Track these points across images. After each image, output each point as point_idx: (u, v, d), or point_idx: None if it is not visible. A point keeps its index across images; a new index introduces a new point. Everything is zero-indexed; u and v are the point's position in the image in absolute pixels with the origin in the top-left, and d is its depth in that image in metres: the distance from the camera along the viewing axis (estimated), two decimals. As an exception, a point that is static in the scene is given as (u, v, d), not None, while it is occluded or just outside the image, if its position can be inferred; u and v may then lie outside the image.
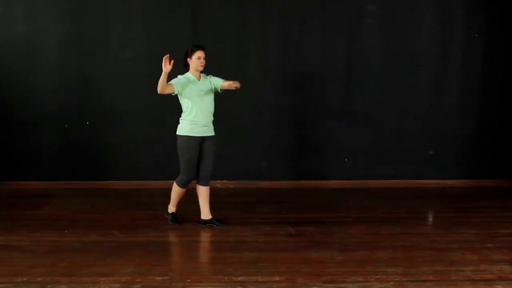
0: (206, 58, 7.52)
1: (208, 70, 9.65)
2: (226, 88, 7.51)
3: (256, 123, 10.16)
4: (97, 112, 9.96)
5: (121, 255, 6.46)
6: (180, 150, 7.51)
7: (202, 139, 7.51)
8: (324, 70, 10.12)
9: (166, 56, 7.19)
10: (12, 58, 9.90)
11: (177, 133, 7.54)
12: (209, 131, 7.56)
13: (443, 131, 10.27)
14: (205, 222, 7.61)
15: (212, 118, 7.58)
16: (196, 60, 7.48)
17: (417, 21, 10.13)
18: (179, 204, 7.78)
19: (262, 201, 9.11)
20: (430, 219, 8.42)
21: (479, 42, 10.18)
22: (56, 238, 7.07)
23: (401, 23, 10.13)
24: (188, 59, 7.53)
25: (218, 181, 10.06)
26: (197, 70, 7.53)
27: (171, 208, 7.79)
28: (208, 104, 7.53)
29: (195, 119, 7.45)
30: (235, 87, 7.45)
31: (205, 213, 7.64)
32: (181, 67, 7.53)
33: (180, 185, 7.62)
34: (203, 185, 7.62)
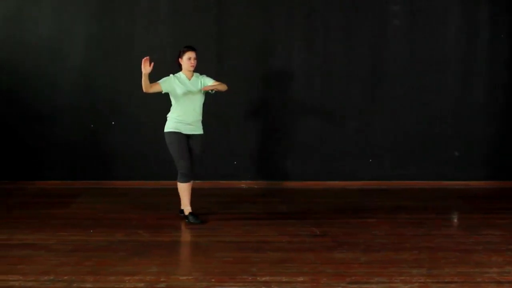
0: (195, 59, 7.77)
1: (235, 71, 9.76)
2: (207, 89, 7.71)
3: (282, 123, 10.16)
4: (122, 112, 10.02)
5: (146, 254, 6.50)
6: (169, 145, 7.81)
7: (188, 136, 7.79)
8: (349, 70, 10.10)
9: (145, 58, 7.44)
10: (39, 58, 9.99)
11: (164, 130, 7.84)
12: (195, 130, 7.80)
13: (468, 132, 10.21)
14: (182, 212, 7.95)
15: (199, 118, 7.83)
16: (187, 60, 7.76)
17: (442, 21, 10.09)
18: (191, 202, 7.90)
19: (286, 201, 9.12)
20: (455, 220, 8.38)
21: (505, 42, 10.11)
22: (81, 237, 7.12)
23: (426, 23, 10.08)
24: (180, 59, 7.82)
25: (243, 181, 10.10)
26: (189, 70, 7.79)
27: (186, 209, 7.87)
28: (194, 104, 7.76)
29: (180, 117, 7.73)
30: (216, 89, 7.68)
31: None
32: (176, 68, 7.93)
33: (181, 180, 7.79)
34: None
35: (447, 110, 10.19)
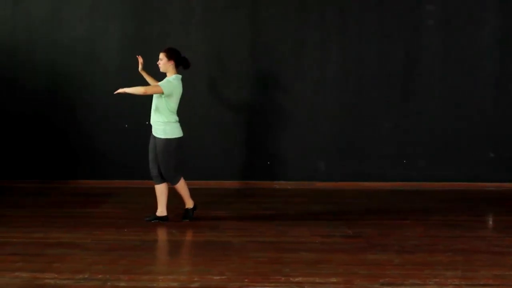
0: (162, 59, 7.67)
1: (268, 71, 9.78)
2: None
3: (315, 124, 10.16)
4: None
5: (179, 254, 6.54)
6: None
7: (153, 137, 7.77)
8: (382, 71, 10.07)
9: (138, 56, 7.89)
10: (74, 59, 10.11)
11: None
12: (154, 131, 7.72)
13: (503, 132, 10.12)
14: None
15: (155, 119, 7.68)
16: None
17: (477, 21, 10.01)
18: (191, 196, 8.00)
19: (319, 201, 9.11)
20: (490, 222, 8.30)
21: (541, 43, 10.03)
22: (116, 236, 7.17)
23: (461, 24, 10.01)
24: None
25: (276, 182, 10.11)
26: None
27: (188, 204, 7.97)
28: (153, 104, 7.68)
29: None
30: (124, 92, 7.53)
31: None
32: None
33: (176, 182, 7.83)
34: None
35: (482, 111, 10.11)
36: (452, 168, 10.15)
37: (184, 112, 9.56)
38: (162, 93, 7.45)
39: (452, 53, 10.03)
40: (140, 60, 8.12)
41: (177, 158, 7.79)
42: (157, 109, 7.60)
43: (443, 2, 10.01)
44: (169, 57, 7.63)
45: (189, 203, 7.94)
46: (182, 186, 7.83)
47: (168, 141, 7.61)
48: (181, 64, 7.75)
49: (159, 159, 7.67)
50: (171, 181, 7.75)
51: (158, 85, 7.50)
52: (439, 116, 10.10)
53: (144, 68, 8.15)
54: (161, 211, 7.83)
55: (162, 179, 7.79)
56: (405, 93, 10.10)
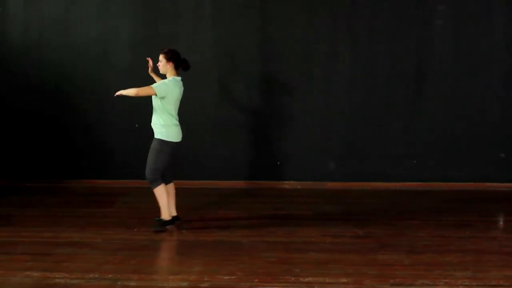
0: (161, 61, 7.48)
1: (280, 72, 9.79)
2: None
3: (325, 124, 10.15)
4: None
5: (189, 254, 6.53)
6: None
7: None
8: (392, 71, 10.04)
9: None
10: (85, 58, 10.15)
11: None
12: (155, 132, 7.52)
13: (514, 133, 10.10)
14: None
15: (154, 121, 7.49)
16: None
17: (487, 21, 9.97)
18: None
19: (329, 202, 9.10)
20: (501, 223, 8.28)
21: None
22: (126, 236, 7.19)
23: (472, 23, 9.98)
24: None
25: (286, 181, 10.11)
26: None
27: (164, 215, 7.57)
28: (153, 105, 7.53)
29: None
30: (121, 94, 7.31)
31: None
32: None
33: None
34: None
35: (492, 111, 10.08)
36: (462, 168, 10.11)
37: (192, 112, 9.61)
38: (155, 94, 7.26)
39: (462, 53, 10.00)
40: (150, 62, 8.06)
41: (166, 162, 7.43)
42: (155, 111, 7.45)
43: (454, 2, 9.97)
44: (168, 58, 7.45)
45: (165, 215, 7.48)
46: (160, 194, 7.42)
47: (163, 142, 7.39)
48: (180, 66, 7.56)
49: (148, 156, 7.40)
50: (150, 183, 7.39)
51: (151, 87, 7.26)
52: (449, 116, 10.06)
53: (153, 70, 8.07)
54: (173, 211, 7.71)
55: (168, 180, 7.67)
56: (415, 93, 10.07)
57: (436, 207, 8.77)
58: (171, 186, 7.70)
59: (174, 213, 7.66)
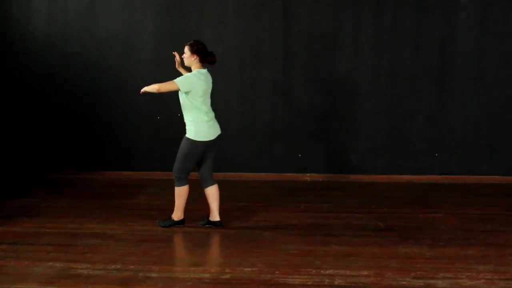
0: (186, 53, 7.13)
1: (302, 66, 9.78)
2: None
3: (349, 118, 10.10)
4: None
5: (211, 245, 6.57)
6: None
7: None
8: (417, 65, 9.95)
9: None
10: (109, 53, 10.21)
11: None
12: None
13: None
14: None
15: (184, 117, 7.20)
16: None
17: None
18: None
19: (351, 194, 9.07)
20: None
21: None
22: (148, 228, 7.24)
23: (495, 16, 9.85)
24: None
25: (308, 174, 10.09)
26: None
27: (176, 215, 7.37)
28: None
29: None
30: (145, 91, 7.03)
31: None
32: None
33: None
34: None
35: (518, 104, 9.99)
36: (486, 162, 10.00)
37: (218, 106, 9.61)
38: (178, 89, 6.94)
39: (487, 47, 9.88)
40: (177, 57, 7.57)
41: (194, 163, 7.19)
42: (183, 107, 7.10)
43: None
44: (193, 51, 7.04)
45: (176, 215, 7.26)
46: (179, 194, 7.19)
47: (191, 142, 7.06)
48: (206, 60, 7.13)
49: (178, 152, 7.14)
50: (175, 180, 7.15)
51: (173, 82, 6.90)
52: (473, 110, 9.95)
53: (181, 65, 7.58)
54: (215, 215, 7.31)
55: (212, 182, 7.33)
56: (440, 86, 9.98)
57: (460, 201, 8.70)
58: (214, 188, 7.29)
59: (218, 218, 7.27)
